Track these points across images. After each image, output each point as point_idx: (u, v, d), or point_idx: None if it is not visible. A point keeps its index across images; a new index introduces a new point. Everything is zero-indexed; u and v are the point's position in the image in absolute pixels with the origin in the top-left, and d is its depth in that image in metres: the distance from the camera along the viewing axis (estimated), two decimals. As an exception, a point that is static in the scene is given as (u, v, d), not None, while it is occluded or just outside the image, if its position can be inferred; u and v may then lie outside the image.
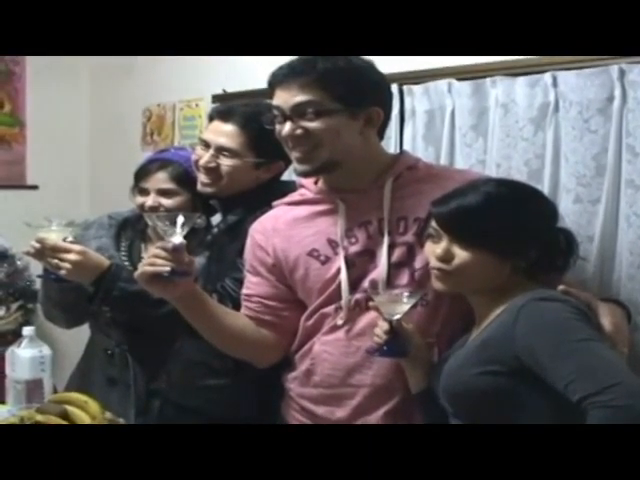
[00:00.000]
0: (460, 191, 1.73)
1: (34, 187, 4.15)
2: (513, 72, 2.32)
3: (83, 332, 2.57)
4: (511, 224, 1.68)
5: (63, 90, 4.19)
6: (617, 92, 2.10)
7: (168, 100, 3.76)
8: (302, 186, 2.00)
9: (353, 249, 1.88)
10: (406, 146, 2.57)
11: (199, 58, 3.13)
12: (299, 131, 1.82)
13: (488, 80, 2.37)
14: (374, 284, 1.85)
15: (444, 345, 1.85)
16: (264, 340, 1.98)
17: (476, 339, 1.72)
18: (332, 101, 1.80)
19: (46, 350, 2.21)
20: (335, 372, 1.90)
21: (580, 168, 2.18)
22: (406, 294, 1.75)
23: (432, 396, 1.78)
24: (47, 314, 2.50)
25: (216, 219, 2.33)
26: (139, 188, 2.37)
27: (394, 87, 2.37)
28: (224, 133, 2.17)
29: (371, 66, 1.87)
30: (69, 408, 1.99)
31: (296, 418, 1.99)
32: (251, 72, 2.67)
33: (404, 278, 1.85)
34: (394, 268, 1.85)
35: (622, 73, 2.09)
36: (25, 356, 2.17)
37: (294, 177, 2.06)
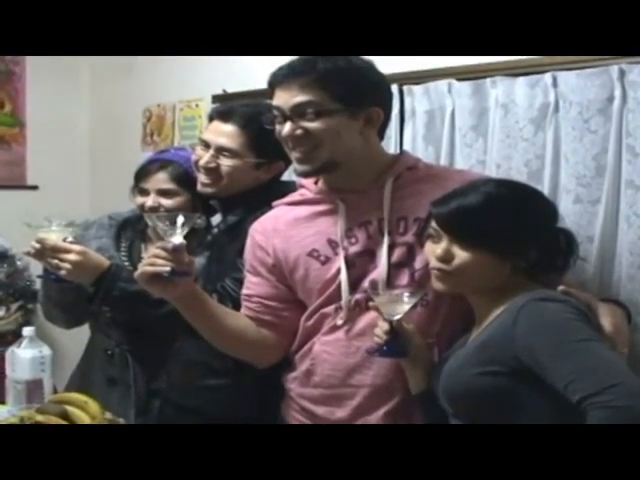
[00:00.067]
0: (460, 191, 1.73)
1: (34, 187, 4.15)
2: (513, 72, 2.32)
3: (83, 332, 2.57)
4: (511, 224, 1.68)
5: (63, 90, 4.19)
6: (617, 92, 2.10)
7: (168, 100, 3.76)
8: (302, 186, 2.00)
9: (353, 249, 1.88)
10: (406, 146, 2.57)
11: (199, 58, 3.13)
12: (299, 131, 1.82)
13: (488, 80, 2.38)
14: (374, 284, 1.85)
15: (444, 345, 1.85)
16: (264, 340, 1.98)
17: (476, 339, 1.72)
18: (332, 101, 1.80)
19: (46, 350, 2.21)
20: (335, 372, 1.90)
21: (580, 168, 2.18)
22: (406, 294, 1.75)
23: (432, 396, 1.78)
24: (47, 314, 2.51)
25: (216, 219, 2.33)
26: (139, 188, 2.37)
27: (394, 87, 2.38)
28: (224, 133, 2.17)
29: (371, 66, 1.87)
30: (69, 408, 1.99)
31: (296, 418, 1.99)
32: (251, 72, 2.67)
33: (404, 278, 1.85)
34: (394, 268, 1.85)
35: (622, 73, 2.09)
36: (25, 356, 2.17)
37: (294, 177, 2.06)
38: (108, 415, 2.04)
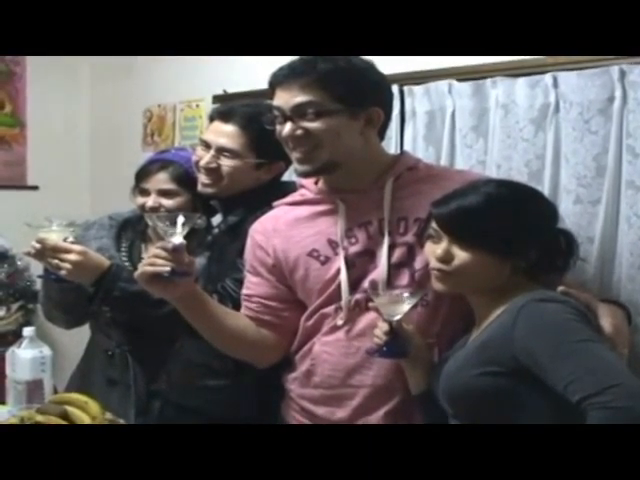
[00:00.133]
0: (460, 192, 1.73)
1: (34, 187, 4.16)
2: (513, 73, 2.33)
3: (83, 333, 2.57)
4: (511, 225, 1.68)
5: (63, 90, 4.20)
6: (618, 93, 2.10)
7: (169, 101, 3.76)
8: (302, 186, 2.00)
9: (353, 249, 1.88)
10: (407, 147, 2.57)
11: (199, 58, 3.14)
12: (299, 131, 1.82)
13: (489, 81, 2.38)
14: (374, 284, 1.85)
15: (444, 345, 1.84)
16: (264, 340, 1.98)
17: (476, 340, 1.72)
18: (332, 101, 1.80)
19: (46, 351, 2.21)
20: (335, 373, 1.90)
21: (580, 169, 2.18)
22: (406, 295, 1.75)
23: (432, 397, 1.78)
24: (47, 315, 2.51)
25: (216, 220, 2.33)
26: (140, 189, 2.37)
27: (395, 88, 2.38)
28: (225, 134, 2.17)
29: (371, 66, 1.87)
30: (69, 409, 1.99)
31: (296, 419, 1.99)
32: (251, 72, 2.67)
33: (404, 278, 1.85)
34: (394, 268, 1.85)
35: (623, 74, 2.09)
36: (25, 357, 2.17)
37: (294, 177, 2.06)
38: (108, 415, 2.04)
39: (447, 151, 2.49)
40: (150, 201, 2.32)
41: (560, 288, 1.71)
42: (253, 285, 1.99)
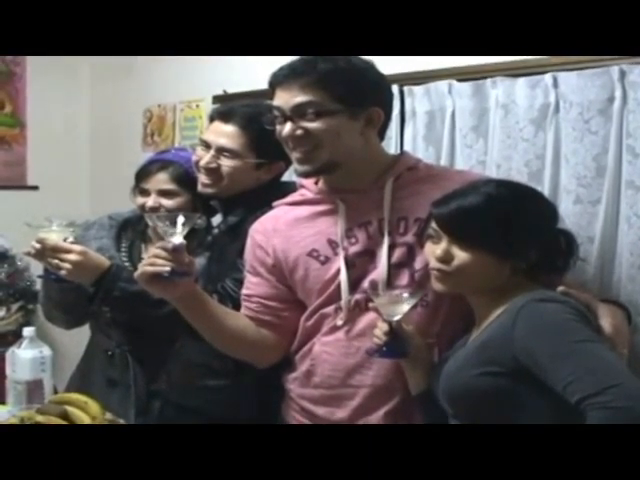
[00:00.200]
0: (460, 192, 1.73)
1: (34, 188, 4.16)
2: (513, 73, 2.33)
3: (83, 333, 2.57)
4: (511, 225, 1.68)
5: (63, 91, 4.20)
6: (618, 93, 2.10)
7: (169, 101, 3.76)
8: (302, 186, 2.00)
9: (353, 249, 1.88)
10: (407, 147, 2.57)
11: (199, 58, 3.14)
12: (299, 132, 1.82)
13: (489, 81, 2.38)
14: (374, 285, 1.85)
15: (444, 345, 1.84)
16: (264, 340, 1.98)
17: (476, 340, 1.72)
18: (332, 101, 1.80)
19: (46, 351, 2.21)
20: (335, 373, 1.90)
21: (580, 169, 2.18)
22: (405, 295, 1.75)
23: (432, 397, 1.78)
24: (47, 315, 2.51)
25: (217, 220, 2.33)
26: (140, 189, 2.37)
27: (395, 88, 2.38)
28: (225, 134, 2.17)
29: (371, 66, 1.87)
30: (69, 409, 1.99)
31: (296, 419, 1.99)
32: (251, 72, 2.67)
33: (404, 279, 1.85)
34: (394, 268, 1.85)
35: (623, 74, 2.09)
36: (25, 357, 2.17)
37: (294, 178, 2.06)
38: (108, 416, 2.04)
39: (447, 151, 2.49)
40: (150, 201, 2.32)
41: (560, 288, 1.71)
42: (253, 285, 1.99)
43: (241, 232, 2.09)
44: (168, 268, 1.75)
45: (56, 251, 2.09)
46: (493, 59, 2.32)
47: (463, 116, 2.44)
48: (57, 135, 4.18)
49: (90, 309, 2.31)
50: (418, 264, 1.85)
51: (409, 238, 1.86)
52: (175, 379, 2.24)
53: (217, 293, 2.08)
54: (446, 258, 1.70)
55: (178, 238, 1.77)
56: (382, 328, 1.78)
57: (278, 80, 1.84)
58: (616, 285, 2.15)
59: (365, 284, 1.86)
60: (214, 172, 2.18)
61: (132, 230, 2.48)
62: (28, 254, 2.13)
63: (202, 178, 2.21)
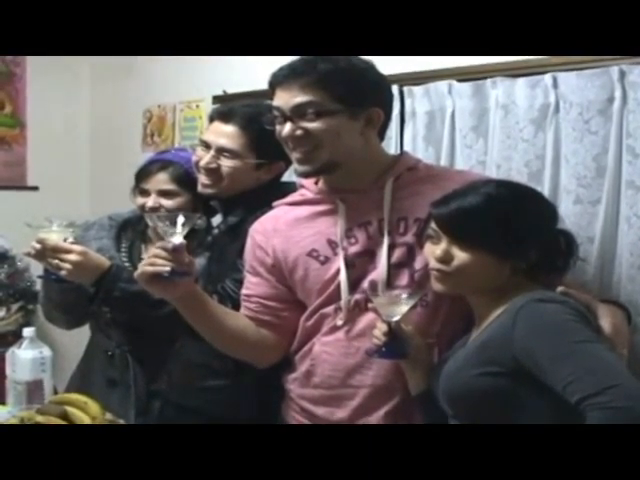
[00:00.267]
0: (460, 192, 1.73)
1: (34, 188, 4.16)
2: (513, 73, 2.33)
3: (83, 333, 2.57)
4: (511, 225, 1.68)
5: (63, 91, 4.20)
6: (617, 93, 2.10)
7: (168, 101, 3.76)
8: (302, 186, 2.00)
9: (353, 249, 1.88)
10: (406, 147, 2.57)
11: (199, 58, 3.14)
12: (299, 132, 1.82)
13: (488, 81, 2.38)
14: (374, 285, 1.85)
15: (445, 346, 1.84)
16: (264, 340, 1.98)
17: (476, 340, 1.71)
18: (332, 102, 1.80)
19: (46, 351, 2.21)
20: (335, 373, 1.90)
21: (580, 169, 2.18)
22: (404, 296, 1.75)
23: (432, 397, 1.78)
24: (47, 315, 2.51)
25: (216, 220, 2.33)
26: (140, 189, 2.37)
27: (394, 88, 2.37)
28: (225, 134, 2.17)
29: (371, 67, 1.87)
30: (69, 409, 1.99)
31: (296, 419, 1.99)
32: (251, 72, 2.67)
33: (404, 279, 1.85)
34: (394, 269, 1.85)
35: (622, 74, 2.09)
36: (26, 357, 2.17)
37: (294, 177, 2.06)
38: (108, 416, 2.04)
39: (447, 151, 2.49)
40: (150, 201, 2.32)
41: (560, 288, 1.71)
42: (253, 285, 1.99)
43: (241, 232, 2.09)
44: (168, 268, 1.75)
45: (56, 251, 2.09)
46: (493, 59, 2.32)
47: (463, 116, 2.44)
48: (57, 135, 4.18)
49: (90, 309, 2.32)
50: (418, 264, 1.85)
51: (409, 238, 1.86)
52: (175, 379, 2.24)
53: (217, 293, 2.08)
54: (446, 258, 1.70)
55: (178, 238, 1.77)
56: (381, 329, 1.78)
57: (278, 80, 1.84)
58: (616, 285, 2.15)
59: (365, 284, 1.86)
60: (214, 172, 2.18)
61: (132, 230, 2.48)
62: (28, 254, 2.13)
63: (202, 178, 2.21)
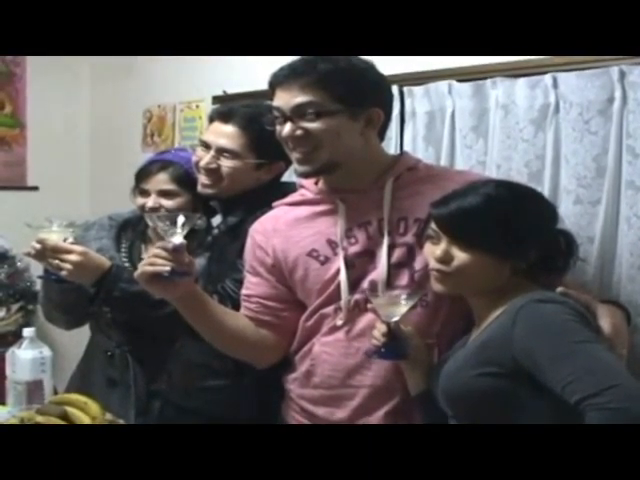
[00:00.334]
0: (460, 192, 1.73)
1: (34, 188, 4.16)
2: (513, 73, 2.33)
3: (83, 333, 2.57)
4: (511, 225, 1.68)
5: (63, 91, 4.20)
6: (617, 93, 2.10)
7: (168, 101, 3.76)
8: (302, 187, 2.00)
9: (353, 249, 1.88)
10: (406, 147, 2.57)
11: (199, 59, 3.15)
12: (299, 132, 1.82)
13: (488, 81, 2.38)
14: (373, 285, 1.85)
15: (444, 346, 1.84)
16: (264, 341, 1.98)
17: (475, 340, 1.71)
18: (333, 102, 1.80)
19: (46, 351, 2.21)
20: (335, 373, 1.90)
21: (580, 169, 2.18)
22: (404, 296, 1.75)
23: (431, 398, 1.78)
24: (47, 315, 2.51)
25: (216, 220, 2.33)
26: (140, 189, 2.37)
27: (394, 88, 2.37)
28: (224, 134, 2.17)
29: (371, 67, 1.87)
30: (69, 409, 1.99)
31: (296, 419, 1.99)
32: (251, 72, 2.67)
33: (404, 279, 1.85)
34: (394, 269, 1.85)
35: (622, 74, 2.09)
36: (25, 357, 2.17)
37: (294, 178, 2.06)
38: (108, 416, 2.04)
39: (447, 151, 2.49)
40: (150, 202, 2.32)
41: (559, 289, 1.70)
42: (252, 285, 1.99)
43: (241, 232, 2.09)
44: (168, 268, 1.75)
45: (56, 252, 2.09)
46: (493, 59, 2.32)
47: (463, 116, 2.44)
48: (57, 135, 4.18)
49: (90, 310, 2.32)
50: (418, 264, 1.85)
51: (409, 238, 1.86)
52: (175, 379, 2.24)
53: (217, 293, 2.08)
54: (446, 259, 1.70)
55: (178, 238, 1.77)
56: (380, 329, 1.78)
57: (278, 80, 1.84)
58: (616, 285, 2.15)
59: (365, 284, 1.86)
60: (214, 173, 2.18)
61: (132, 230, 2.48)
62: (28, 255, 2.13)
63: (202, 179, 2.21)
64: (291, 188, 2.09)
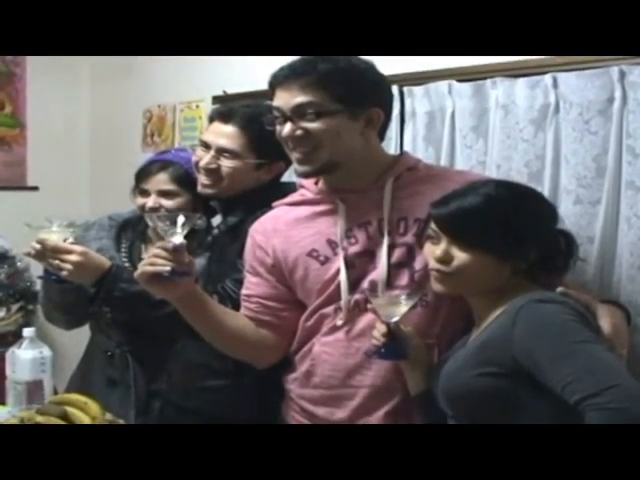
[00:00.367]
0: (460, 192, 1.73)
1: (34, 188, 4.16)
2: (513, 73, 2.33)
3: (83, 333, 2.57)
4: (511, 226, 1.68)
5: (63, 91, 4.20)
6: (617, 93, 2.10)
7: (168, 101, 3.76)
8: (302, 186, 2.00)
9: (353, 249, 1.88)
10: (406, 147, 2.57)
11: (199, 58, 3.15)
12: (299, 132, 1.82)
13: (488, 81, 2.38)
14: (373, 285, 1.85)
15: (444, 346, 1.84)
16: (264, 340, 1.98)
17: (475, 340, 1.71)
18: (333, 102, 1.80)
19: (46, 351, 2.21)
20: (335, 373, 1.90)
21: (580, 169, 2.18)
22: (403, 296, 1.75)
23: (431, 398, 1.78)
24: (47, 315, 2.51)
25: (216, 220, 2.33)
26: (140, 189, 2.37)
27: (394, 88, 2.37)
28: (224, 134, 2.17)
29: (371, 67, 1.87)
30: (69, 409, 1.99)
31: (296, 419, 1.99)
32: (251, 72, 2.67)
33: (404, 279, 1.85)
34: (394, 269, 1.85)
35: (622, 74, 2.09)
36: (25, 357, 2.17)
37: (294, 178, 2.06)
38: (108, 416, 2.04)
39: (447, 151, 2.49)
40: (150, 202, 2.32)
41: (559, 289, 1.70)
42: (252, 285, 1.99)
43: (241, 232, 2.09)
44: (168, 268, 1.75)
45: (57, 252, 2.09)
46: (493, 59, 2.32)
47: (463, 116, 2.44)
48: (57, 135, 4.19)
49: (90, 310, 2.32)
50: (418, 264, 1.84)
51: (409, 238, 1.86)
52: (175, 379, 2.24)
53: (217, 293, 2.08)
54: (445, 259, 1.70)
55: (178, 238, 1.77)
56: (380, 330, 1.78)
57: (278, 80, 1.84)
58: (616, 285, 2.15)
59: (365, 284, 1.86)
60: (214, 173, 2.18)
61: (132, 230, 2.48)
62: (28, 255, 2.13)
63: (202, 179, 2.21)
64: (291, 188, 2.09)
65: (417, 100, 2.57)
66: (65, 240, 2.12)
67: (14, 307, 3.84)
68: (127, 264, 2.38)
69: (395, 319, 1.75)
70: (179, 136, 3.72)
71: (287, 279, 1.95)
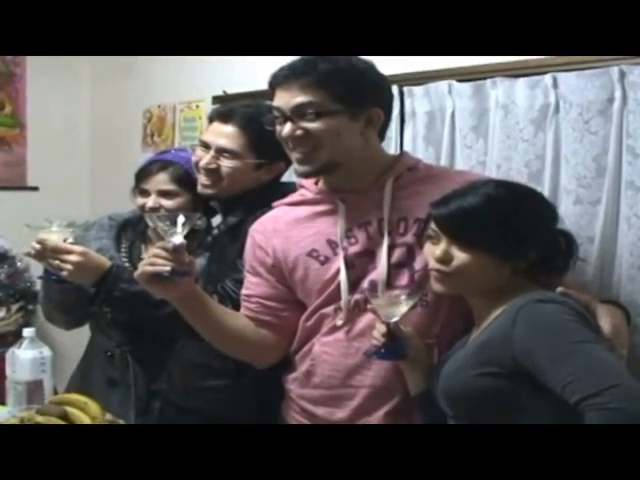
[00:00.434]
0: (460, 192, 1.73)
1: (34, 188, 4.16)
2: (513, 73, 2.33)
3: (83, 333, 2.57)
4: (511, 226, 1.68)
5: (63, 91, 4.20)
6: (617, 93, 2.10)
7: (168, 101, 3.77)
8: (302, 186, 2.00)
9: (353, 249, 1.88)
10: (406, 147, 2.57)
11: (199, 59, 3.15)
12: (299, 132, 1.82)
13: (488, 81, 2.38)
14: (373, 285, 1.85)
15: (444, 346, 1.84)
16: (264, 340, 1.98)
17: (475, 340, 1.71)
18: (333, 102, 1.80)
19: (46, 351, 2.21)
20: (335, 373, 1.90)
21: (580, 169, 2.18)
22: (403, 296, 1.75)
23: (431, 398, 1.78)
24: (47, 315, 2.51)
25: (216, 220, 2.33)
26: (140, 189, 2.37)
27: (394, 88, 2.37)
28: (224, 134, 2.17)
29: (372, 67, 1.87)
30: (69, 409, 1.99)
31: (296, 419, 1.99)
32: (251, 73, 2.67)
33: (404, 279, 1.85)
34: (394, 269, 1.85)
35: (622, 74, 2.09)
36: (25, 357, 2.17)
37: (294, 178, 2.06)
38: (108, 416, 2.04)
39: (447, 151, 2.49)
40: (150, 202, 2.32)
41: (559, 289, 1.70)
42: (252, 285, 1.99)
43: (241, 232, 2.09)
44: (168, 268, 1.75)
45: (57, 252, 2.09)
46: (493, 59, 2.32)
47: (463, 116, 2.44)
48: (57, 135, 4.19)
49: (90, 310, 2.32)
50: (418, 264, 1.84)
51: (409, 238, 1.86)
52: (175, 379, 2.24)
53: (217, 293, 2.08)
54: (445, 259, 1.70)
55: (178, 238, 1.77)
56: (380, 330, 1.78)
57: (278, 80, 1.84)
58: (616, 285, 2.15)
59: (365, 284, 1.86)
60: (214, 173, 2.18)
61: (132, 230, 2.48)
62: (28, 255, 2.13)
63: (202, 179, 2.21)
64: (291, 188, 2.09)
65: (417, 100, 2.57)
66: (65, 240, 2.12)
67: (14, 307, 3.84)
68: (127, 264, 2.38)
69: (395, 319, 1.75)
70: (179, 136, 3.72)
71: (287, 279, 1.95)
